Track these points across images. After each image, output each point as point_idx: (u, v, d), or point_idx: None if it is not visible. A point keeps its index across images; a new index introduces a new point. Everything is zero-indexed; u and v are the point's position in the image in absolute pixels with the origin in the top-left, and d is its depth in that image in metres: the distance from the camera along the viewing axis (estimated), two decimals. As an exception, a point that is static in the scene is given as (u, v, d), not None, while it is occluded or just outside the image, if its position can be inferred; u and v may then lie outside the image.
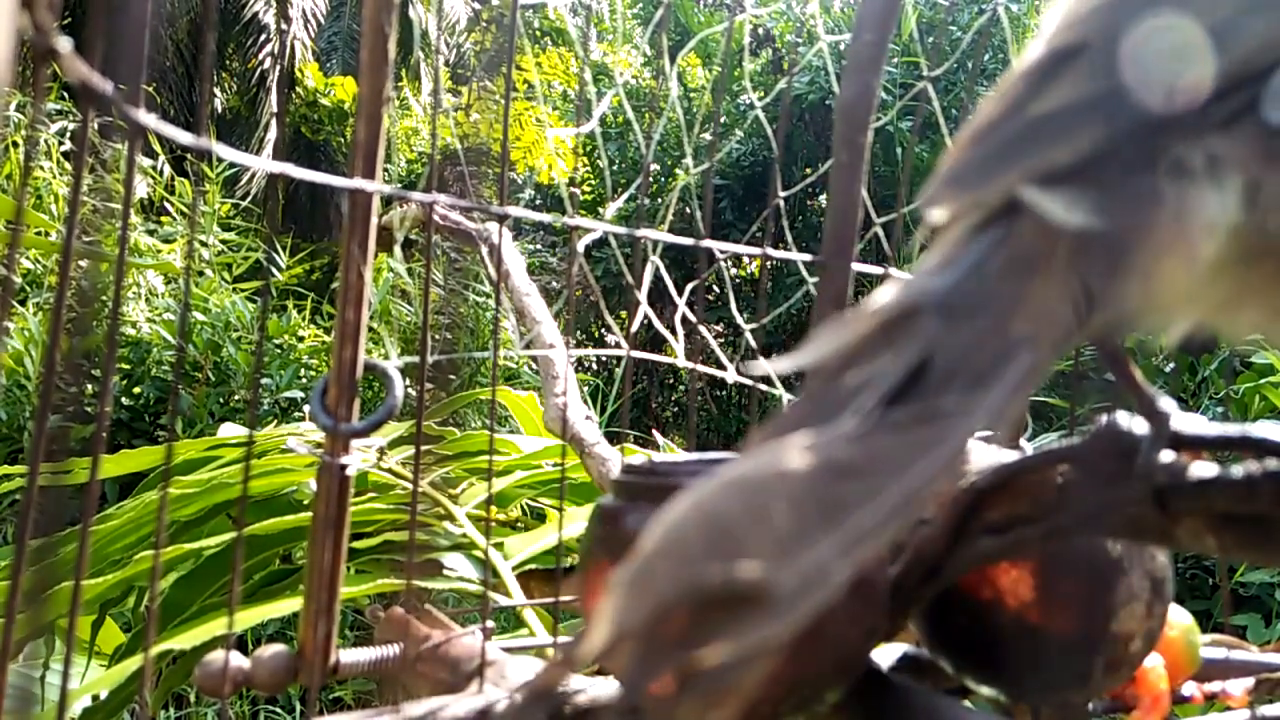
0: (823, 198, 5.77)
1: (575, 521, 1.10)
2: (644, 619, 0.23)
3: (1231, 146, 0.29)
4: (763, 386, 0.98)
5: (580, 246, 0.77)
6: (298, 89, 7.08)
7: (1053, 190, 0.29)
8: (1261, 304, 0.32)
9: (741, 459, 0.25)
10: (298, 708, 2.79)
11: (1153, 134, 0.29)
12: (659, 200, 5.25)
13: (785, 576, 0.22)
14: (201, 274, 4.12)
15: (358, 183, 0.49)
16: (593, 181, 6.27)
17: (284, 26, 7.25)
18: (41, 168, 4.01)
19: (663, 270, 0.93)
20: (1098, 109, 0.29)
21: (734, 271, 5.98)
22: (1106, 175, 0.29)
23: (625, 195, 1.22)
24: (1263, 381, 2.66)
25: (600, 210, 4.37)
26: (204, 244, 4.28)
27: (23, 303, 3.66)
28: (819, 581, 0.23)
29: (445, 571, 1.12)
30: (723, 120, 5.41)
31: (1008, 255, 0.28)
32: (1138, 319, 0.32)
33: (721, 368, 1.00)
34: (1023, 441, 0.56)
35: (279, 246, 4.73)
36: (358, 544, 1.11)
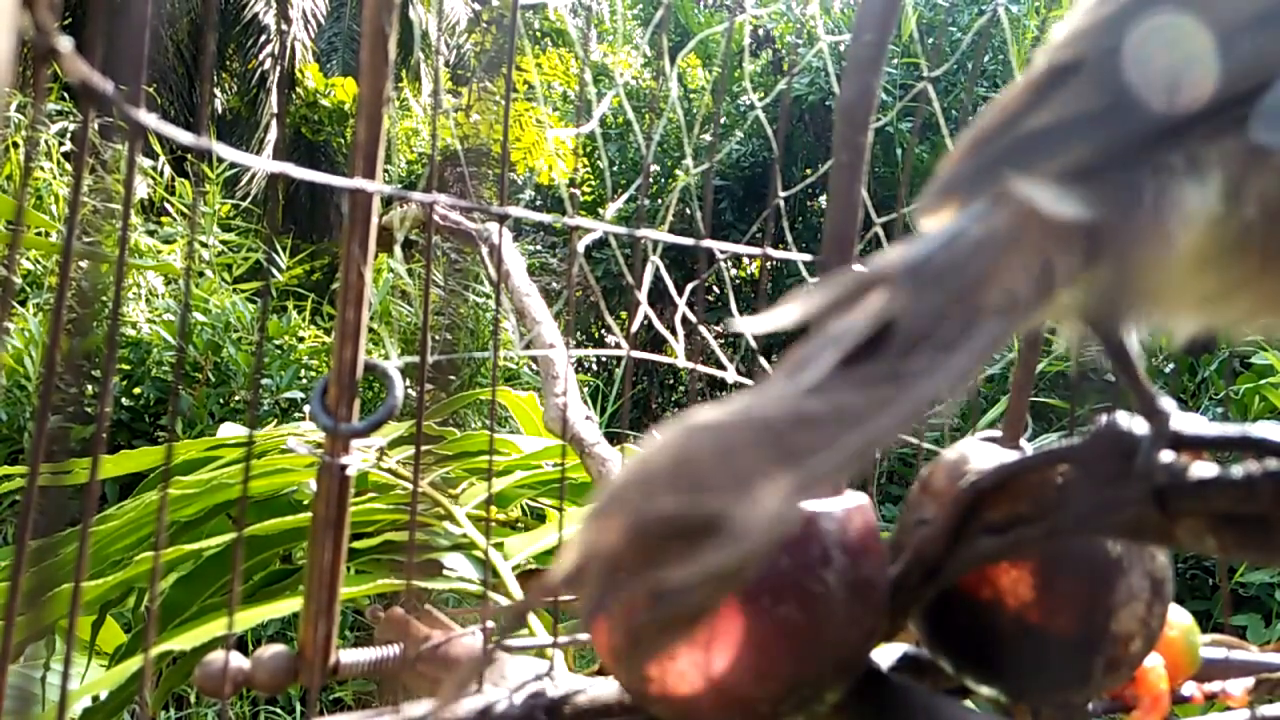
0: (823, 198, 5.77)
1: (575, 521, 1.09)
2: (611, 543, 0.24)
3: (1215, 152, 0.30)
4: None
5: (580, 247, 0.77)
6: (298, 89, 7.08)
7: (1040, 185, 0.30)
8: (1251, 296, 0.32)
9: (713, 407, 0.27)
10: (298, 708, 2.79)
11: (1143, 148, 0.30)
12: (659, 200, 5.25)
13: (742, 509, 0.24)
14: (201, 274, 4.12)
15: (358, 183, 0.49)
16: (593, 182, 6.27)
17: (284, 27, 7.25)
18: (41, 168, 4.01)
19: (663, 270, 0.93)
20: (1090, 126, 0.30)
21: (734, 271, 5.98)
22: (1093, 174, 0.30)
23: (625, 196, 1.22)
24: (1263, 382, 2.66)
25: (600, 210, 4.38)
26: (204, 244, 4.28)
27: (23, 303, 3.66)
28: (773, 515, 0.24)
29: (445, 571, 1.12)
30: (723, 121, 5.41)
31: (983, 230, 0.30)
32: (1131, 309, 0.32)
33: (721, 368, 1.00)
34: (1023, 441, 0.56)
35: (279, 247, 4.73)
36: (358, 544, 1.10)
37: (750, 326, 0.31)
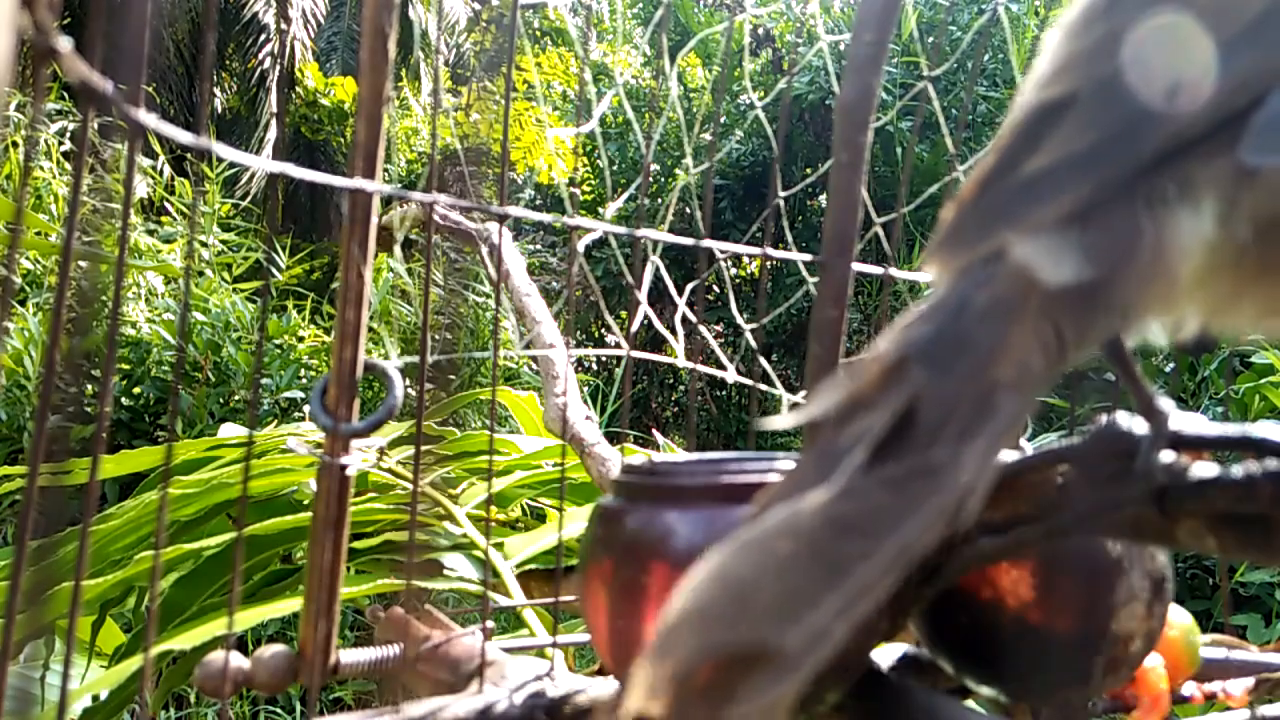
0: (823, 198, 5.77)
1: (575, 521, 1.10)
2: (674, 676, 0.25)
3: (1207, 174, 0.30)
4: (763, 386, 0.98)
5: (580, 246, 0.77)
6: (298, 89, 7.08)
7: (1039, 241, 0.30)
8: (1250, 304, 0.32)
9: (754, 521, 0.27)
10: (298, 708, 2.79)
11: (1137, 179, 0.30)
12: (659, 200, 5.25)
13: (792, 638, 0.24)
14: (201, 274, 4.12)
15: (358, 183, 0.49)
16: (593, 181, 6.27)
17: (284, 26, 7.24)
18: (41, 168, 4.01)
19: (663, 270, 0.93)
20: (1085, 164, 0.30)
21: (734, 271, 5.98)
22: (1089, 217, 0.30)
23: (625, 195, 1.22)
24: (1263, 381, 2.66)
25: (600, 210, 4.37)
26: (204, 244, 4.28)
27: (23, 303, 3.66)
28: (822, 641, 0.25)
29: (445, 571, 1.12)
30: (723, 120, 5.41)
31: (988, 299, 0.29)
32: (1132, 326, 0.32)
33: (721, 368, 1.00)
34: (1023, 441, 0.56)
35: (279, 246, 4.73)
36: (358, 544, 1.11)
37: (775, 424, 0.32)
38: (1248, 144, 0.29)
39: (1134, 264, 0.29)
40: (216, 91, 7.56)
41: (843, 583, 0.25)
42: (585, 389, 4.37)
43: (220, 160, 3.96)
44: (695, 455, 0.52)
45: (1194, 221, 0.30)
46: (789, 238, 1.08)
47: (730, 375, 0.96)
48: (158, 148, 4.48)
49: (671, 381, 6.41)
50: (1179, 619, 0.60)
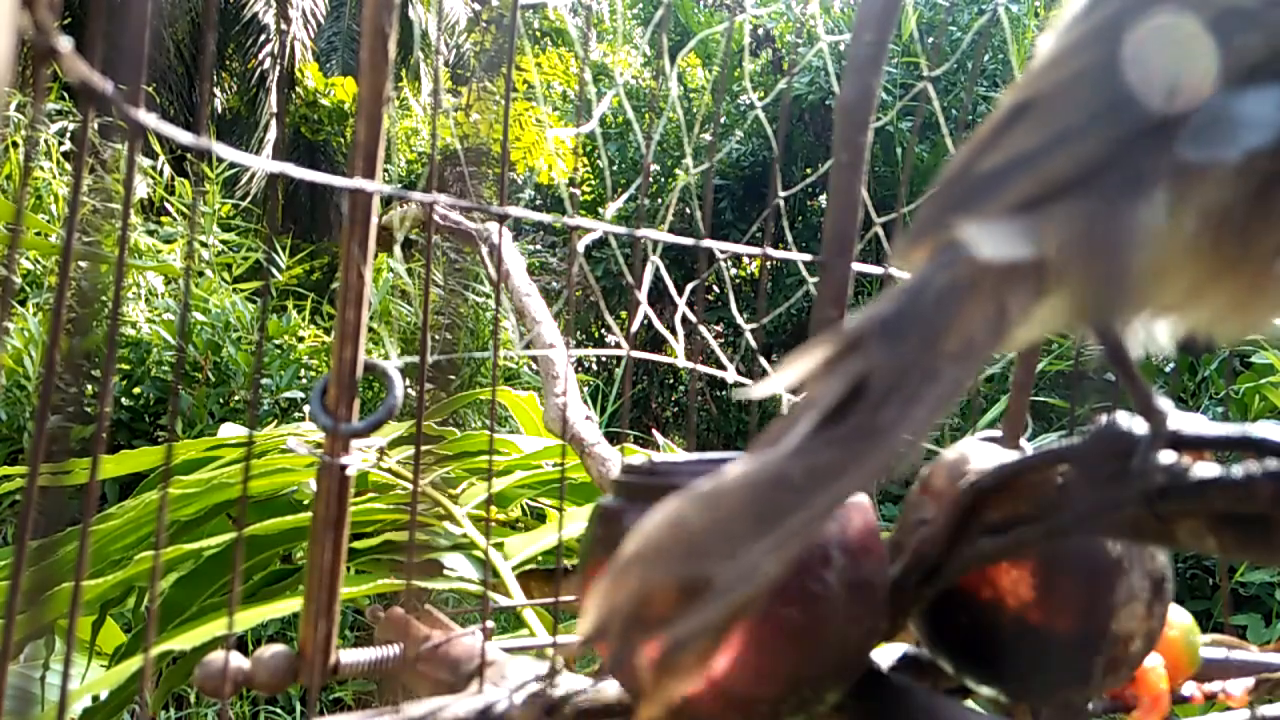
0: (823, 198, 5.77)
1: (575, 521, 1.10)
2: (623, 604, 0.29)
3: (1154, 169, 0.32)
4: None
5: (580, 246, 0.77)
6: (298, 89, 7.08)
7: (986, 226, 0.32)
8: (1216, 299, 0.34)
9: (713, 476, 0.30)
10: (298, 708, 2.79)
11: (1084, 173, 0.32)
12: (659, 200, 5.25)
13: (725, 573, 0.28)
14: (201, 274, 4.12)
15: (358, 183, 0.49)
16: (593, 181, 6.27)
17: (284, 26, 7.24)
18: (41, 168, 4.01)
19: (663, 270, 0.93)
20: (1031, 161, 0.33)
21: (734, 271, 5.98)
22: (1038, 207, 0.32)
23: (625, 195, 1.22)
24: (1263, 381, 2.66)
25: (600, 210, 4.37)
26: (204, 244, 4.28)
27: (23, 303, 3.66)
28: (751, 576, 0.28)
29: (445, 571, 1.12)
30: (723, 120, 5.41)
31: (946, 281, 0.32)
32: (1117, 314, 0.34)
33: (721, 368, 1.00)
34: (1023, 441, 0.56)
35: (279, 246, 4.73)
36: (358, 544, 1.10)
37: (752, 393, 0.34)
38: (1186, 140, 0.31)
39: (1078, 248, 0.31)
40: (216, 91, 7.56)
41: (774, 528, 0.28)
42: (585, 389, 4.37)
43: (220, 160, 3.96)
44: (695, 455, 0.52)
45: (1143, 212, 0.32)
46: (789, 238, 1.08)
47: (730, 375, 0.96)
48: (158, 148, 4.48)
49: (671, 381, 6.41)
50: (1179, 619, 0.60)
